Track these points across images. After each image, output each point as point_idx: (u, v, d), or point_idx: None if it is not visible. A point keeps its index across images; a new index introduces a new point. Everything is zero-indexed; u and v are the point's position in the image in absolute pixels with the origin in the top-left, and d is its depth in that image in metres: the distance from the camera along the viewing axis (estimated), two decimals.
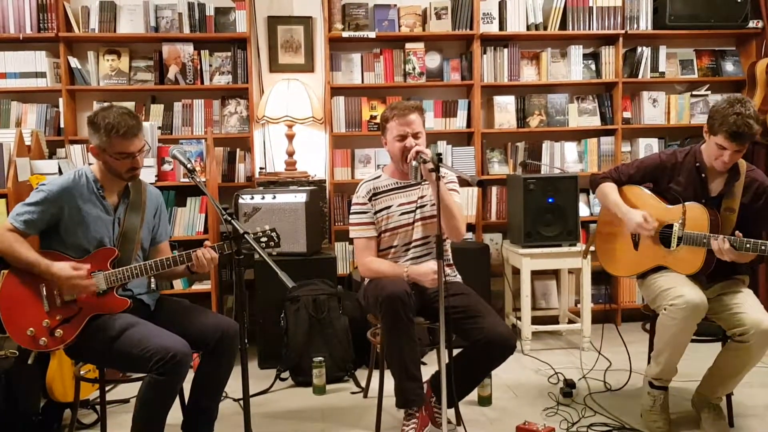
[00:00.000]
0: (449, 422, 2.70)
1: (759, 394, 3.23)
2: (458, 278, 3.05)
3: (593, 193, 3.14)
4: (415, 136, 2.84)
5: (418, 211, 2.94)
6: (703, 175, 2.82)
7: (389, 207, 2.96)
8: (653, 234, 2.85)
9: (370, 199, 2.97)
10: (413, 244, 2.95)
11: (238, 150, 4.35)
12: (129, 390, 3.26)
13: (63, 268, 2.41)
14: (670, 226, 2.83)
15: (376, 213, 2.96)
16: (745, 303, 2.70)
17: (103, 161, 2.52)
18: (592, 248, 3.28)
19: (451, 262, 3.05)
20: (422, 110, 2.94)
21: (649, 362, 2.95)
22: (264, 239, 2.47)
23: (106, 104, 2.60)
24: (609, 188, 3.01)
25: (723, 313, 2.73)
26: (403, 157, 2.85)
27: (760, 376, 3.29)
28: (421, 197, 2.95)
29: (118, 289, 2.51)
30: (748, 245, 2.57)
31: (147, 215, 2.67)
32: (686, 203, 2.79)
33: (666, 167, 2.92)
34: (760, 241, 2.56)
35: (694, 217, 2.76)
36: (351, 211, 3.02)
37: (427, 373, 2.85)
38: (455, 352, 2.83)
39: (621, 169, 3.04)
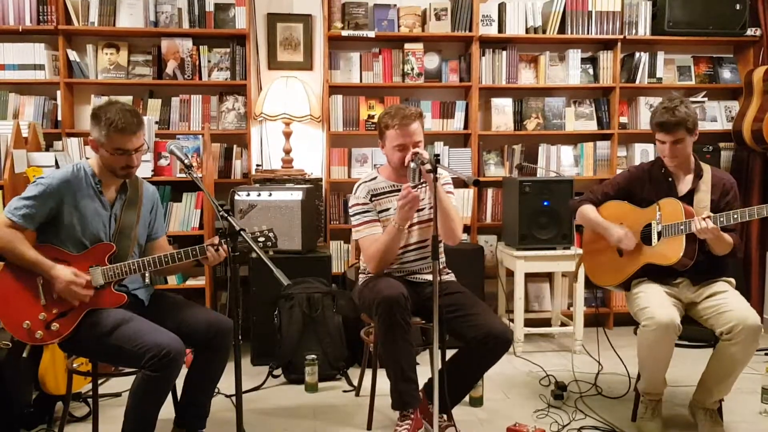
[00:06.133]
0: (440, 418, 2.72)
1: (749, 400, 3.25)
2: (452, 277, 3.05)
3: (573, 218, 3.24)
4: (415, 145, 2.81)
5: (415, 215, 2.90)
6: (670, 179, 2.96)
7: (388, 210, 2.92)
8: (632, 248, 2.94)
9: (371, 200, 2.93)
10: (409, 248, 2.94)
11: (235, 146, 4.35)
12: (121, 384, 3.26)
13: (64, 273, 2.40)
14: (649, 225, 2.92)
15: (378, 213, 2.93)
16: (731, 302, 2.75)
17: (100, 155, 2.52)
18: (581, 269, 3.33)
19: (444, 264, 3.04)
20: (423, 116, 2.91)
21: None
22: (262, 239, 2.48)
23: (113, 98, 2.59)
24: (587, 209, 3.11)
25: (711, 314, 2.77)
26: (403, 165, 2.82)
27: (750, 382, 3.31)
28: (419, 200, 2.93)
29: (114, 284, 2.51)
30: (734, 215, 2.67)
31: (143, 211, 2.67)
32: (660, 200, 2.91)
33: (636, 178, 3.06)
34: (739, 209, 2.69)
35: (670, 211, 2.88)
36: (353, 213, 2.94)
37: (421, 373, 2.84)
38: (449, 353, 2.83)
39: (596, 191, 3.15)
